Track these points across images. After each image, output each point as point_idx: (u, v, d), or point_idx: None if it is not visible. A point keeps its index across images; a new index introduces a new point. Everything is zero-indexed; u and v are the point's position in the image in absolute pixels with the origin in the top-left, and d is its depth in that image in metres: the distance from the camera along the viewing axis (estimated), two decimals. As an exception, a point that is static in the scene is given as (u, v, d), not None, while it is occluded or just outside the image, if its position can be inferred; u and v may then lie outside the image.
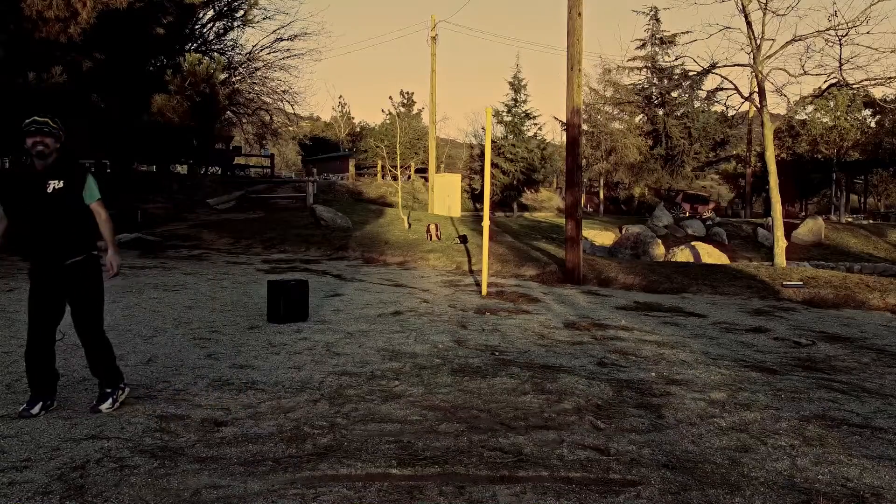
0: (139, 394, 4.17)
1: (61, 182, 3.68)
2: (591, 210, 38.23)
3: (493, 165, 33.46)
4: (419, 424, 3.72)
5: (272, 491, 2.83)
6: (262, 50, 24.97)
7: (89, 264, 3.83)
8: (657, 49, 38.09)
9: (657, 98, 38.01)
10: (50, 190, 3.65)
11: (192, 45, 19.79)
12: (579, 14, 10.96)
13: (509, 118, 36.87)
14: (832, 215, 35.12)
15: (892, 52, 15.14)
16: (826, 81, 15.01)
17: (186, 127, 15.97)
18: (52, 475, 2.93)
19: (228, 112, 23.13)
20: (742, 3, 14.53)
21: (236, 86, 22.69)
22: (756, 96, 15.98)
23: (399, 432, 3.58)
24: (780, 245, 15.02)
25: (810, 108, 32.61)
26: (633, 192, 40.82)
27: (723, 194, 48.53)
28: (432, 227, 16.17)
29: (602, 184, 39.25)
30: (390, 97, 73.60)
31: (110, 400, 3.88)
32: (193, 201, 21.30)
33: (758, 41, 14.73)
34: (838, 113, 33.28)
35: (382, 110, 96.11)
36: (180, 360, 5.09)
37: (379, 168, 37.48)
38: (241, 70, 24.16)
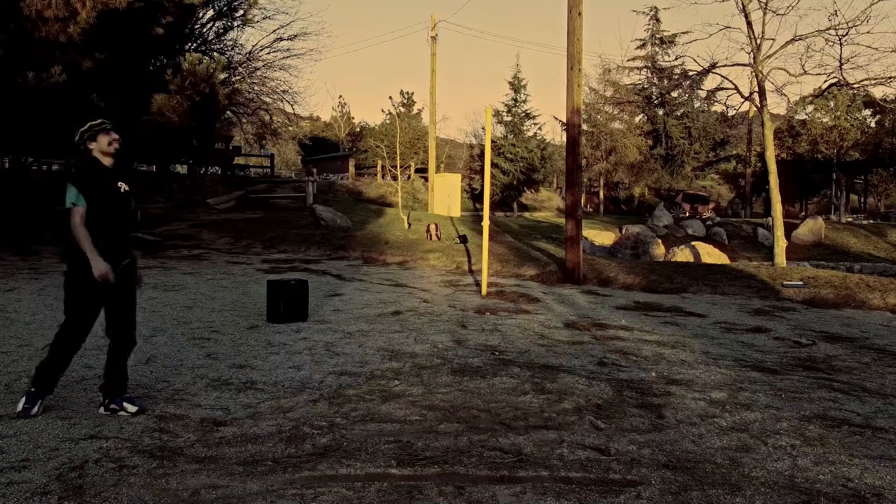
0: (138, 394, 4.15)
1: (126, 185, 3.76)
2: (591, 210, 38.23)
3: (493, 165, 33.46)
4: (419, 424, 3.71)
5: (271, 491, 2.82)
6: (261, 50, 24.95)
7: (132, 268, 3.86)
8: (657, 49, 38.12)
9: (657, 98, 38.03)
10: (122, 191, 3.71)
11: (191, 45, 19.76)
12: (579, 14, 10.95)
13: (509, 118, 36.88)
14: (832, 215, 35.13)
15: (892, 51, 15.15)
16: (826, 81, 15.02)
17: (186, 127, 15.94)
18: (51, 475, 2.92)
19: (228, 112, 23.09)
20: (742, 3, 14.52)
21: (236, 86, 22.63)
22: (756, 96, 15.98)
23: (398, 432, 3.57)
24: (781, 245, 15.02)
25: (810, 107, 32.63)
26: (633, 192, 40.83)
27: (723, 194, 48.52)
28: (432, 226, 16.17)
29: (602, 184, 39.25)
30: (390, 97, 73.59)
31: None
32: (193, 201, 21.28)
33: (758, 41, 14.73)
34: (838, 113, 33.30)
35: (382, 110, 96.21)
36: (179, 359, 5.08)
37: (379, 168, 37.48)
38: (240, 70, 24.12)
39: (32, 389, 3.71)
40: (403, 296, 8.91)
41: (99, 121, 3.73)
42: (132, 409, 3.78)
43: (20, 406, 3.68)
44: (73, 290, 3.63)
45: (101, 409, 3.80)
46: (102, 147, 3.68)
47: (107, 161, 3.71)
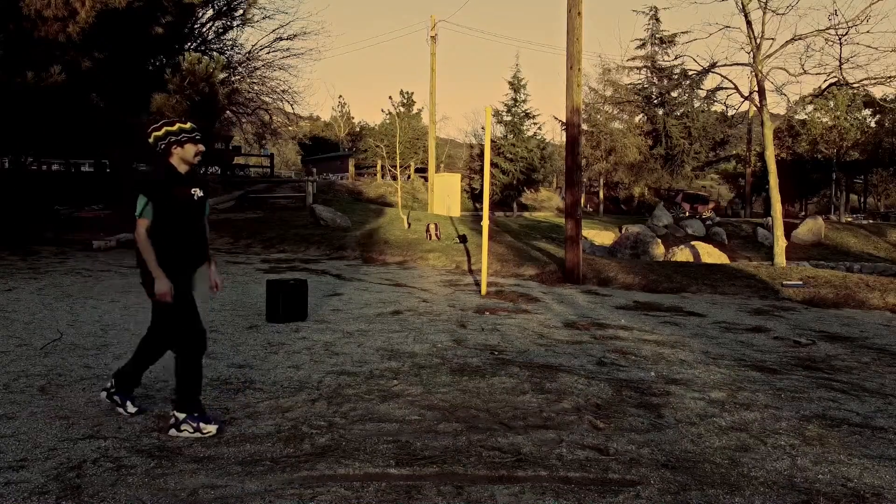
0: (136, 393, 4.15)
1: (201, 191, 3.64)
2: (590, 210, 38.25)
3: (493, 165, 33.47)
4: (418, 424, 3.70)
5: (270, 491, 2.82)
6: (261, 49, 24.92)
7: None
8: (657, 49, 38.14)
9: (657, 98, 38.04)
10: (196, 198, 3.59)
11: (191, 45, 19.74)
12: (579, 13, 10.95)
13: (509, 118, 36.89)
14: (832, 215, 35.13)
15: (892, 51, 15.16)
16: (826, 81, 15.04)
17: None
18: (49, 475, 2.92)
19: (228, 112, 23.06)
20: (742, 3, 14.53)
21: (235, 85, 22.64)
22: (756, 96, 15.99)
23: (397, 432, 3.56)
24: (780, 245, 15.03)
25: (810, 107, 32.64)
26: (633, 192, 40.84)
27: (723, 194, 48.54)
28: (432, 226, 16.16)
29: (602, 184, 39.28)
30: (390, 97, 73.64)
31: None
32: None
33: (758, 40, 14.73)
34: (838, 113, 33.29)
35: (382, 110, 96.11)
36: (178, 359, 5.07)
37: (378, 168, 37.50)
38: (240, 69, 24.10)
39: (195, 414, 3.48)
40: (403, 295, 8.90)
41: (190, 126, 3.53)
42: (132, 409, 3.76)
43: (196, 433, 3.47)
44: (174, 302, 3.44)
45: (103, 393, 3.77)
46: (187, 156, 3.52)
47: (183, 168, 3.55)
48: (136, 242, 3.43)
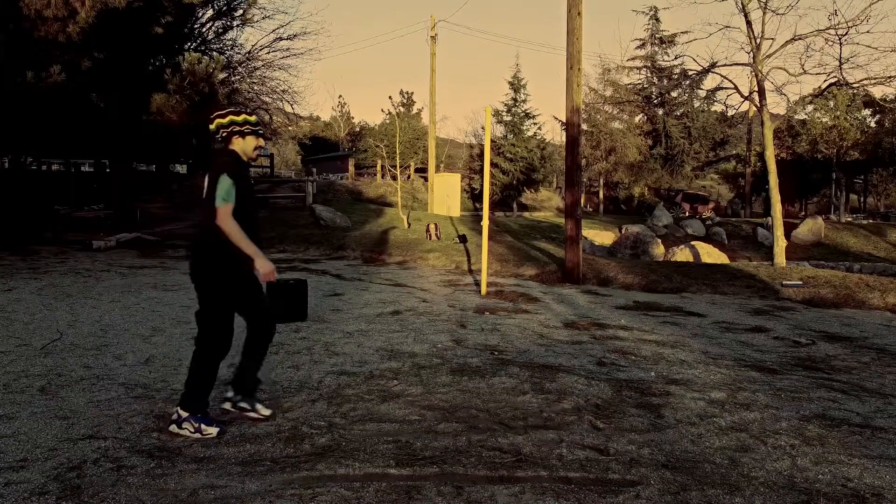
0: (137, 394, 4.16)
1: (251, 179, 3.64)
2: (590, 210, 38.27)
3: (493, 165, 33.48)
4: (418, 424, 3.70)
5: (270, 491, 2.82)
6: (261, 49, 24.94)
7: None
8: (657, 49, 38.18)
9: (657, 98, 38.06)
10: (252, 184, 3.58)
11: (191, 45, 19.75)
12: (579, 13, 10.95)
13: (509, 118, 36.90)
14: (832, 215, 35.13)
15: (892, 51, 15.17)
16: (826, 81, 15.04)
17: (186, 126, 15.94)
18: (49, 475, 2.92)
19: (227, 112, 23.04)
20: (742, 3, 14.52)
21: (235, 85, 22.63)
22: (756, 96, 15.98)
23: (397, 432, 3.56)
24: (780, 245, 15.02)
25: (810, 107, 32.63)
26: (632, 192, 40.86)
27: (723, 194, 48.57)
28: (432, 226, 16.17)
29: (602, 183, 39.31)
30: (390, 97, 73.78)
31: None
32: (193, 201, 21.27)
33: (757, 40, 14.73)
34: (838, 112, 33.29)
35: (382, 110, 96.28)
36: (178, 359, 5.07)
37: (378, 168, 37.52)
38: (240, 69, 24.11)
39: (198, 415, 3.43)
40: (403, 295, 8.90)
41: (255, 119, 3.52)
42: (265, 411, 3.69)
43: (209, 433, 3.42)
44: (222, 295, 3.36)
45: (227, 404, 3.68)
46: (247, 148, 3.49)
47: (239, 158, 3.51)
48: (218, 229, 3.25)
